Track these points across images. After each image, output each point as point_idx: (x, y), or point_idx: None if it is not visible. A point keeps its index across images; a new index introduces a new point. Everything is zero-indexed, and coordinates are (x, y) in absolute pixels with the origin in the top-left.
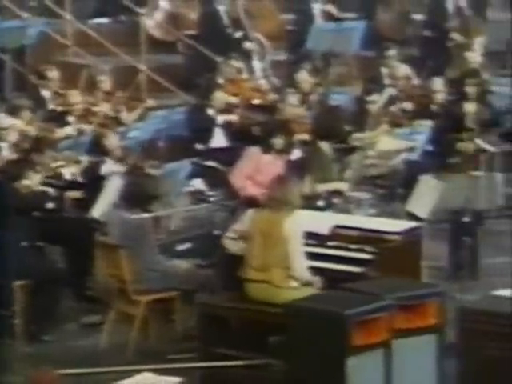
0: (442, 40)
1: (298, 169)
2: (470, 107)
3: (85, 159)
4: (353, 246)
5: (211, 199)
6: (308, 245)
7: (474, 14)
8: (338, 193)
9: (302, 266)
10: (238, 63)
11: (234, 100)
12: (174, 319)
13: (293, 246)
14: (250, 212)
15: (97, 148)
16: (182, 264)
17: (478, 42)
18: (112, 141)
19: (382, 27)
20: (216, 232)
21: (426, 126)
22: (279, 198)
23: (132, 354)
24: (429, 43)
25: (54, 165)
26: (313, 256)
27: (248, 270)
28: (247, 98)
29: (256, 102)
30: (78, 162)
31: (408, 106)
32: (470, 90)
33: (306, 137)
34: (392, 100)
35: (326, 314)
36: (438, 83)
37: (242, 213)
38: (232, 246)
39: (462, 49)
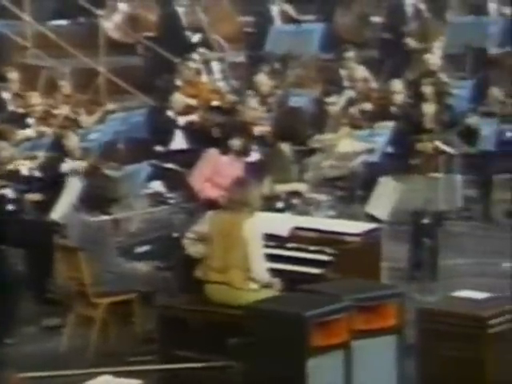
0: (401, 42)
1: (257, 170)
2: (429, 109)
3: (42, 154)
4: (312, 248)
5: (170, 201)
6: (267, 246)
7: (433, 16)
8: (297, 194)
9: (261, 267)
10: (195, 65)
11: (192, 102)
12: (134, 321)
13: (252, 248)
14: (210, 214)
15: (57, 148)
16: (142, 266)
17: (437, 45)
18: (72, 141)
19: (340, 29)
20: (175, 234)
21: (385, 128)
22: (239, 200)
23: (92, 357)
24: (387, 45)
25: (11, 163)
26: (272, 258)
27: (208, 271)
28: (206, 99)
29: (215, 103)
30: (35, 157)
31: (367, 107)
32: (429, 91)
33: (265, 138)
34: (351, 102)
35: (285, 316)
36: (397, 85)
37: (201, 215)
38: (191, 247)
39: (421, 51)
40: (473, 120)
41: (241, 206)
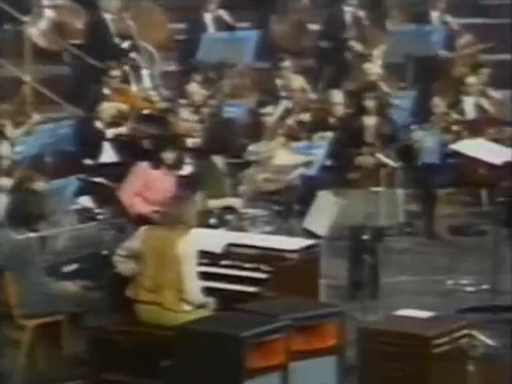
0: (340, 51)
1: (189, 184)
2: (369, 120)
3: None
4: (247, 265)
5: (99, 217)
6: (201, 264)
7: (372, 24)
8: (231, 209)
9: (194, 288)
10: (124, 73)
11: (122, 111)
12: (63, 344)
13: (186, 267)
14: (143, 230)
15: None
16: (70, 286)
17: (377, 54)
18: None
19: (276, 37)
20: (105, 252)
21: (324, 140)
22: (173, 216)
23: (19, 381)
24: (326, 54)
25: None
26: (206, 276)
27: (139, 290)
28: (136, 109)
29: (146, 114)
30: None
31: (305, 118)
32: (369, 102)
33: (198, 151)
34: (288, 113)
35: (220, 337)
36: (335, 95)
37: (131, 231)
38: (122, 265)
39: (361, 60)
40: (415, 135)
41: (175, 223)
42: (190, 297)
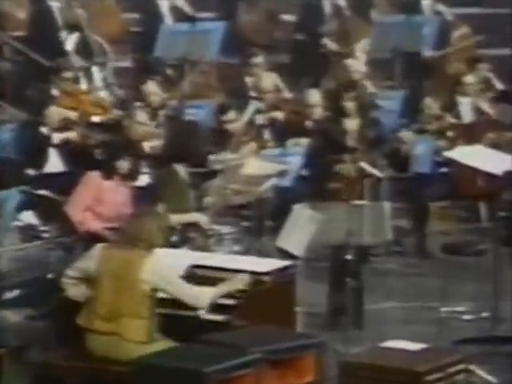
0: (318, 45)
1: (147, 197)
2: (351, 124)
3: None
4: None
5: (45, 235)
6: (154, 289)
7: (355, 15)
8: (194, 226)
9: (193, 296)
10: (73, 71)
11: (71, 115)
12: (3, 381)
13: (171, 288)
14: (99, 248)
15: None
16: (11, 316)
17: (361, 48)
18: None
19: (245, 29)
20: (51, 275)
21: (299, 146)
22: (132, 234)
23: None
24: (302, 49)
25: None
26: (165, 302)
27: (92, 319)
28: (87, 113)
29: (97, 117)
30: None
31: (278, 117)
32: (352, 104)
33: (156, 159)
34: (259, 115)
35: (182, 372)
36: (313, 96)
37: (81, 251)
38: (72, 289)
39: (342, 56)
40: (404, 138)
41: (135, 242)
42: (199, 307)
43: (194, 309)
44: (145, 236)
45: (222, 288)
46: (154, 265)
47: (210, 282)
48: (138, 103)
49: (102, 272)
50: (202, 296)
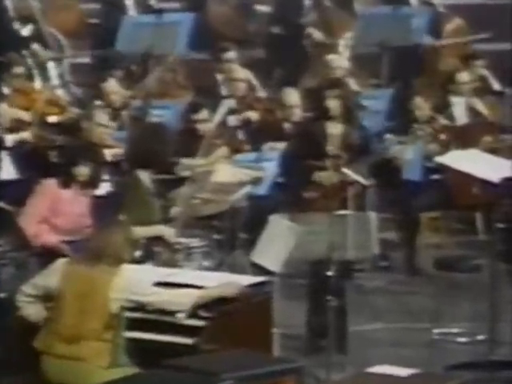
0: (296, 39)
1: (108, 207)
2: (333, 127)
3: None
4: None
5: None
6: (122, 308)
7: (337, 6)
8: (160, 239)
9: (172, 299)
10: (26, 67)
11: (24, 116)
12: None
13: (147, 299)
14: (59, 265)
15: None
16: None
17: (344, 43)
18: None
19: (216, 21)
20: (3, 294)
21: (276, 151)
22: (99, 248)
23: None
24: (279, 43)
25: None
26: (129, 324)
27: (52, 341)
28: (41, 113)
29: (53, 118)
30: None
31: (252, 118)
32: (333, 104)
33: (119, 165)
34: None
35: None
36: (291, 95)
37: (36, 267)
38: (29, 308)
39: (323, 51)
40: (392, 145)
41: (101, 257)
42: (181, 308)
43: (160, 330)
44: (111, 250)
45: (210, 291)
46: (123, 281)
47: None
48: (98, 103)
49: (65, 290)
50: (183, 298)
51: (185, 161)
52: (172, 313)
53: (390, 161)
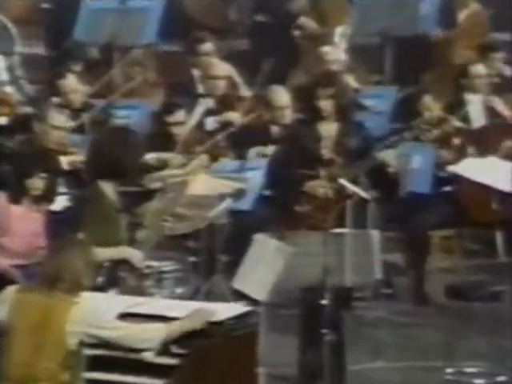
0: (284, 28)
1: (65, 225)
2: (328, 130)
3: None
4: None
5: None
6: (81, 344)
7: None
8: (126, 262)
9: (137, 335)
10: None
11: None
12: None
13: (108, 333)
14: (8, 294)
15: None
16: None
17: (340, 33)
18: None
19: (191, 8)
20: None
21: (262, 158)
22: (54, 273)
23: None
24: (264, 34)
25: None
26: (89, 362)
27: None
28: None
29: (1, 120)
30: None
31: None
32: (328, 103)
33: (79, 175)
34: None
35: None
36: (280, 94)
37: None
38: None
39: (316, 42)
40: (397, 151)
41: (57, 283)
42: (148, 346)
43: (127, 370)
44: (68, 275)
45: (182, 324)
46: (82, 312)
47: None
48: (55, 102)
49: (15, 323)
50: (151, 332)
51: (156, 170)
52: (139, 350)
53: (389, 171)
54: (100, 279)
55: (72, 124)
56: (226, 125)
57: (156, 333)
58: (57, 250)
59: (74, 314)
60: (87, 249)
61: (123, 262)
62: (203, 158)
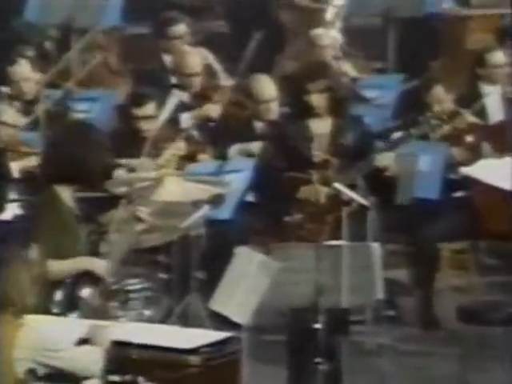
0: (268, 7)
1: (15, 236)
2: (320, 126)
3: None
4: (115, 378)
5: None
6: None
7: None
8: (88, 278)
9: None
10: None
11: None
12: None
13: (59, 362)
14: None
15: None
16: None
17: (334, 12)
18: None
19: None
20: None
21: (245, 158)
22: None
23: None
24: (245, 13)
25: None
26: None
27: None
28: None
29: None
30: None
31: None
32: (321, 96)
33: (31, 178)
34: (183, 111)
35: None
36: (265, 84)
37: None
38: None
39: (306, 23)
40: (401, 150)
41: (3, 304)
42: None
43: None
44: (13, 295)
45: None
46: (31, 335)
47: (109, 364)
48: (3, 93)
49: None
50: (89, 356)
51: (121, 173)
52: (105, 381)
53: (388, 169)
54: (57, 298)
55: (24, 120)
56: (202, 119)
57: (95, 356)
58: (4, 265)
59: (23, 338)
60: (40, 263)
61: (85, 276)
62: (179, 147)
